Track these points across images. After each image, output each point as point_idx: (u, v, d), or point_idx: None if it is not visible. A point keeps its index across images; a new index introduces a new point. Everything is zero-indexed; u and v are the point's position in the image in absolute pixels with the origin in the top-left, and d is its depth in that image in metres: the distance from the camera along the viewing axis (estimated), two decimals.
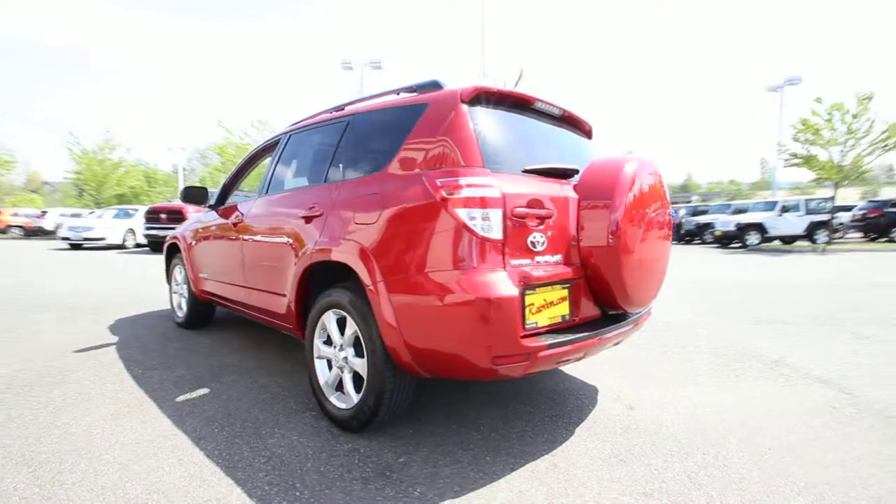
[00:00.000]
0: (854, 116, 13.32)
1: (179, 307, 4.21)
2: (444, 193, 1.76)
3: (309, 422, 2.30)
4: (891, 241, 16.13)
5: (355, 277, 2.05)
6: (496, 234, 1.74)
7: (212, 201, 3.65)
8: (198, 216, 4.01)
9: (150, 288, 6.39)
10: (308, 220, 2.37)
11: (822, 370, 3.08)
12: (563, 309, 1.91)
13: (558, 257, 1.93)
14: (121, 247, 14.66)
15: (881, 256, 11.81)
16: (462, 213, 1.72)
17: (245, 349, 3.50)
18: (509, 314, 1.66)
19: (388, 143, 2.17)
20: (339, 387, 2.26)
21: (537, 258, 1.84)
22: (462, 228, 1.72)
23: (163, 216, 12.34)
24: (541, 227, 1.87)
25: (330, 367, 2.32)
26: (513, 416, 2.38)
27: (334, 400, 2.24)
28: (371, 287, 1.92)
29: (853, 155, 13.74)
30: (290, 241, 2.50)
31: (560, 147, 2.35)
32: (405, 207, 1.88)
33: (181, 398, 2.59)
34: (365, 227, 2.02)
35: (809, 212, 15.03)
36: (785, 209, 15.37)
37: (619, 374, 3.01)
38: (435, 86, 2.17)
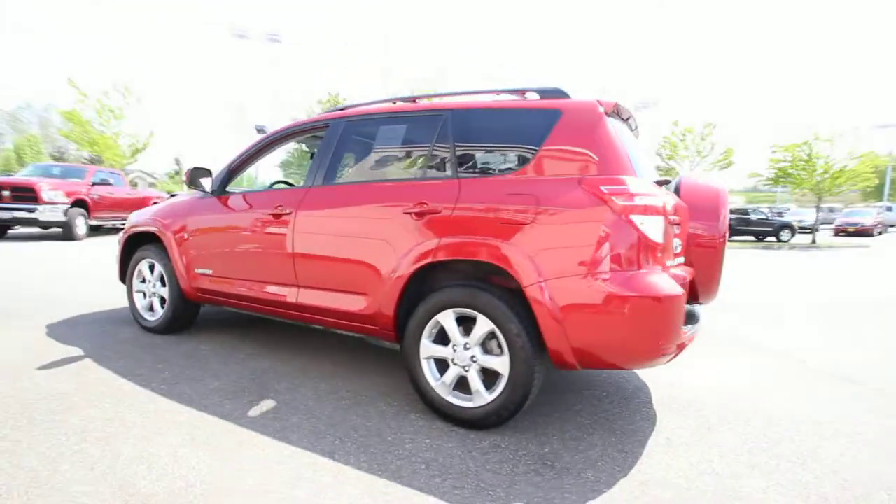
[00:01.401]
0: (702, 139, 16.43)
1: (149, 309, 3.57)
2: (617, 200, 1.91)
3: (422, 423, 2.26)
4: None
5: (483, 276, 2.07)
6: (660, 238, 1.95)
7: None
8: (181, 201, 3.44)
9: (55, 285, 5.19)
10: (420, 215, 2.29)
11: None
12: None
13: (682, 259, 2.21)
14: None
15: None
16: (636, 220, 1.89)
17: (261, 353, 3.16)
18: (678, 309, 1.90)
19: (515, 144, 2.22)
20: (457, 385, 2.26)
21: (676, 260, 2.10)
22: (635, 233, 1.89)
23: (5, 193, 9.81)
24: (677, 233, 2.13)
25: (442, 366, 2.30)
26: (597, 400, 2.63)
27: (453, 399, 2.23)
28: (532, 287, 1.98)
29: (700, 170, 16.99)
30: (390, 237, 2.37)
31: (639, 152, 2.62)
32: (568, 211, 1.98)
33: (254, 412, 2.30)
34: (515, 227, 2.05)
35: None
36: None
37: None
38: (560, 93, 2.28)
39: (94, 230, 11.55)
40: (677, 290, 1.91)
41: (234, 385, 2.63)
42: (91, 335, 3.41)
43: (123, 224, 13.54)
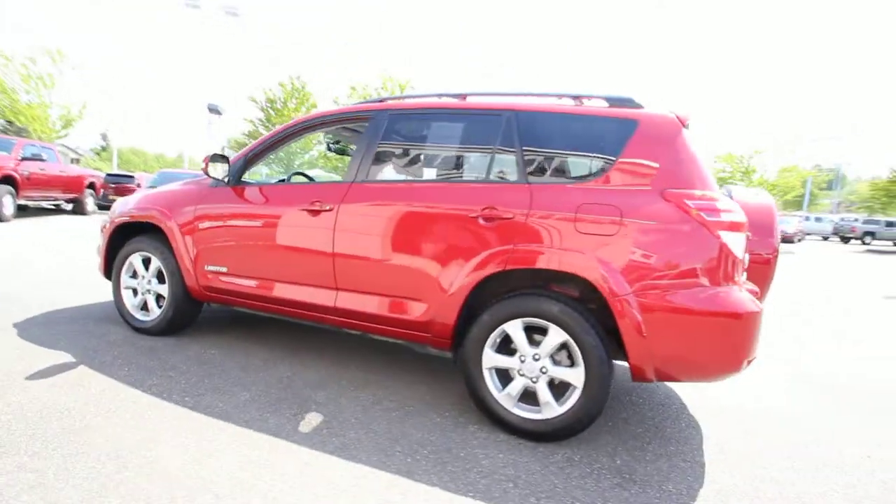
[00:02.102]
0: None
1: (141, 308, 3.20)
2: (705, 216, 1.92)
3: (484, 435, 2.18)
4: None
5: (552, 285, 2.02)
6: (741, 255, 1.98)
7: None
8: (187, 189, 3.10)
9: (10, 280, 4.55)
10: (490, 220, 2.19)
11: None
12: None
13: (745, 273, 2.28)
14: None
15: None
16: (724, 236, 1.91)
17: (278, 357, 2.93)
18: (759, 325, 1.94)
19: (590, 151, 2.18)
20: (521, 397, 2.20)
21: (744, 275, 2.16)
22: (723, 249, 1.91)
23: None
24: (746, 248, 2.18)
25: (505, 377, 2.23)
26: (637, 407, 2.67)
27: (519, 411, 2.17)
28: (618, 300, 1.95)
29: None
30: (453, 242, 2.26)
31: None
32: (656, 224, 1.96)
33: (304, 428, 2.12)
34: (599, 238, 2.01)
35: None
36: None
37: None
38: (632, 103, 2.26)
39: (22, 210, 10.33)
40: (759, 306, 1.96)
41: (266, 395, 2.41)
42: (74, 337, 3.01)
43: (55, 204, 12.21)
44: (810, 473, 2.09)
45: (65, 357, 2.68)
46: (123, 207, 3.28)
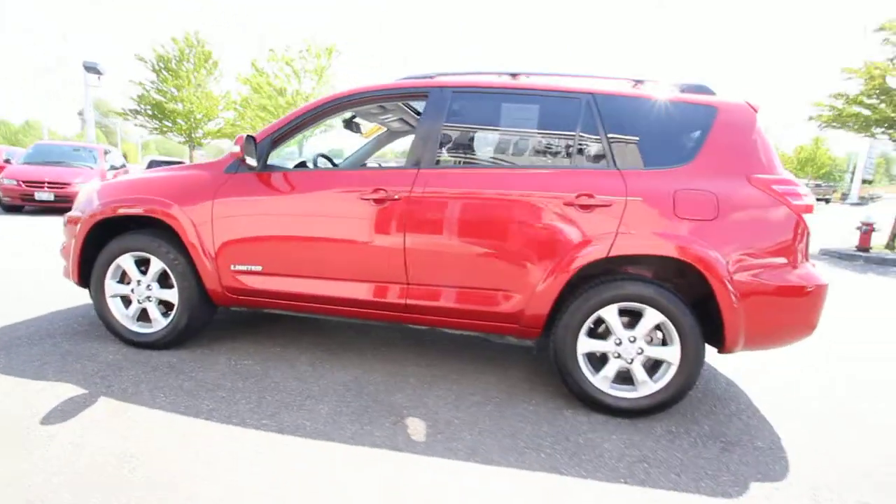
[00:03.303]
0: None
1: (137, 319, 2.69)
2: (791, 200, 2.09)
3: (584, 418, 2.22)
4: None
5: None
6: (811, 234, 2.20)
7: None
8: (196, 175, 2.61)
9: None
10: (587, 208, 2.17)
11: None
12: None
13: None
14: None
15: None
16: (806, 218, 2.11)
17: (323, 360, 2.68)
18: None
19: (674, 137, 2.24)
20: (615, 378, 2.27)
21: None
22: (805, 229, 2.11)
23: None
24: None
25: (598, 361, 2.28)
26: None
27: (614, 392, 2.25)
28: (719, 281, 2.06)
29: None
30: (547, 230, 2.20)
31: None
32: (749, 209, 2.09)
33: (416, 436, 1.99)
34: (698, 223, 2.09)
35: None
36: None
37: None
38: (707, 90, 2.34)
39: None
40: (828, 278, 2.21)
41: (345, 405, 2.21)
42: (58, 362, 2.45)
43: None
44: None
45: (70, 389, 2.18)
46: (102, 198, 2.67)
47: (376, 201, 2.35)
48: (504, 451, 1.92)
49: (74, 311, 3.29)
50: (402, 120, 3.43)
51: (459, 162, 2.58)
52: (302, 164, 3.06)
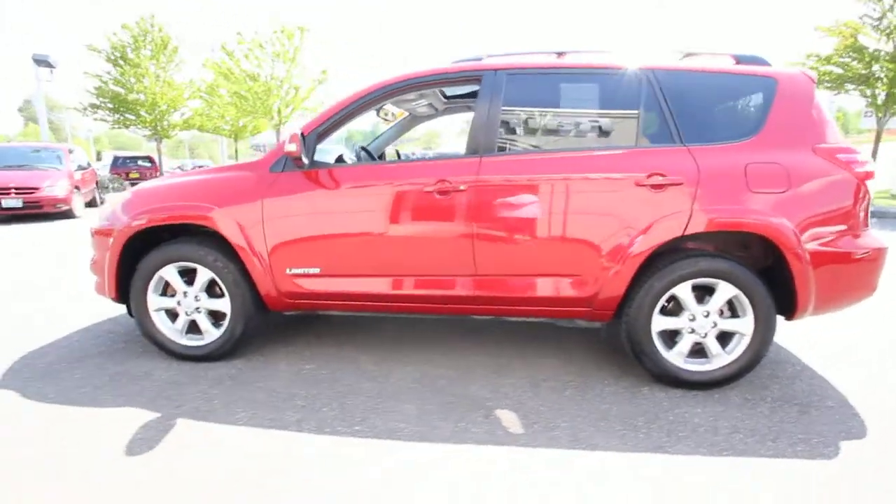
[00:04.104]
0: None
1: (186, 331, 2.57)
2: (855, 168, 2.13)
3: (662, 395, 2.26)
4: None
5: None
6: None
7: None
8: (241, 176, 2.46)
9: None
10: (659, 188, 2.16)
11: None
12: None
13: None
14: None
15: None
16: (869, 185, 2.16)
17: (383, 359, 2.63)
18: None
19: (738, 110, 2.24)
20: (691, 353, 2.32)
21: None
22: (868, 196, 2.17)
23: None
24: None
25: (668, 337, 2.32)
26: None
27: (689, 366, 2.29)
28: (793, 252, 2.11)
29: None
30: (620, 212, 2.18)
31: None
32: (818, 178, 2.13)
33: (514, 429, 1.99)
34: (771, 196, 2.12)
35: None
36: None
37: None
38: (762, 61, 2.34)
39: None
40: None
41: (428, 403, 2.18)
42: (113, 382, 2.33)
43: None
44: None
45: (139, 414, 2.07)
46: (135, 208, 2.49)
47: (440, 192, 2.28)
48: (604, 436, 1.94)
49: (100, 328, 3.12)
50: (430, 105, 3.32)
51: (520, 147, 2.52)
52: (339, 159, 2.93)
